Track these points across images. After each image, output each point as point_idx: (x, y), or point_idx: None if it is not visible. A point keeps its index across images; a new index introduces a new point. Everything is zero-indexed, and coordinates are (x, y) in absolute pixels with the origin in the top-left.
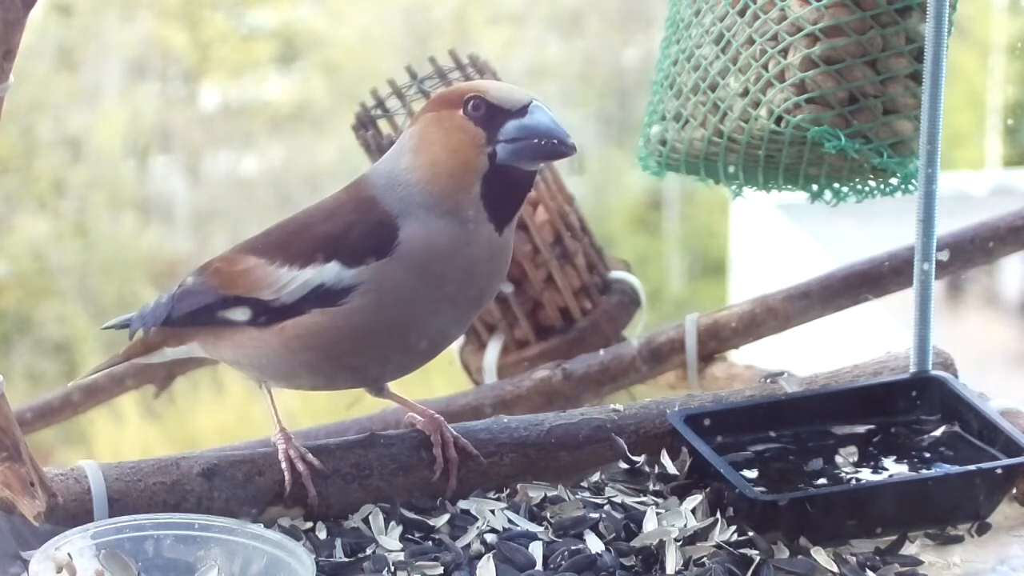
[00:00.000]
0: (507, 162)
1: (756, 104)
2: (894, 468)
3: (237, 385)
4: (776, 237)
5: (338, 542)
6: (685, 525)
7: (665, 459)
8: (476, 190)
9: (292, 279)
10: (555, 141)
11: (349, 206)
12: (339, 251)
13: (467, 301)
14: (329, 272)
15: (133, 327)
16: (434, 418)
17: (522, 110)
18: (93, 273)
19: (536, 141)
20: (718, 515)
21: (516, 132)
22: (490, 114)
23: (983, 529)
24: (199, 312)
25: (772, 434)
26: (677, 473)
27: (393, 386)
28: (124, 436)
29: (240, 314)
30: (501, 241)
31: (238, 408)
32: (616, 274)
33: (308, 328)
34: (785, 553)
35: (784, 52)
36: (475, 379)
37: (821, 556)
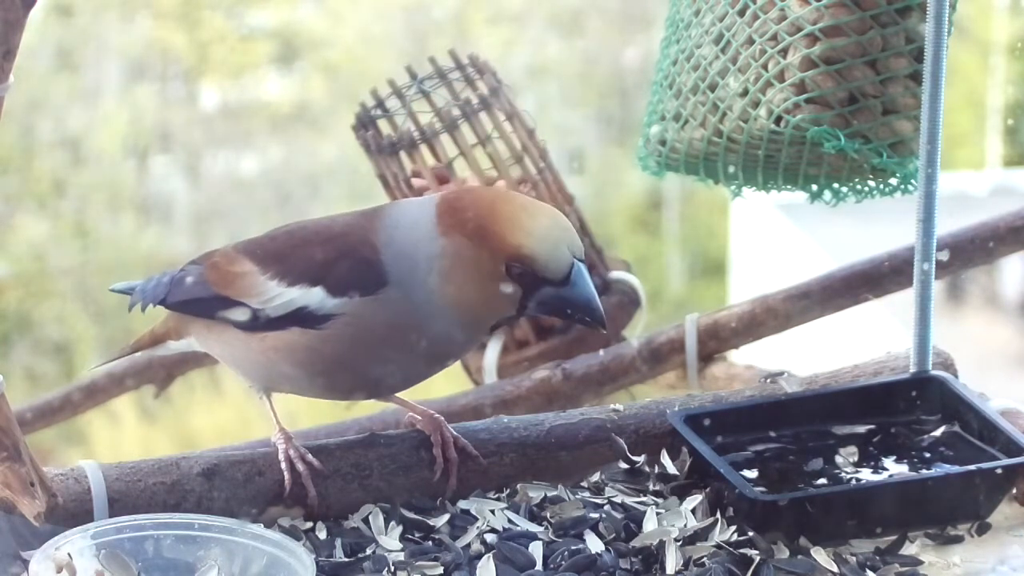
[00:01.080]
0: (532, 314)
1: (756, 104)
2: (894, 468)
3: (236, 386)
4: (776, 237)
5: (338, 542)
6: (685, 525)
7: (665, 459)
8: (490, 323)
9: (279, 295)
10: (587, 319)
11: (352, 239)
12: (327, 278)
13: (444, 356)
14: (314, 296)
15: (132, 300)
16: (434, 418)
17: (564, 280)
18: (93, 273)
19: (568, 311)
20: (718, 515)
21: (552, 300)
22: (532, 279)
23: (983, 529)
24: (192, 303)
25: (772, 434)
26: (677, 473)
27: None
28: (124, 436)
29: (228, 314)
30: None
31: (237, 408)
32: (616, 274)
33: (287, 343)
34: (785, 553)
35: (784, 52)
36: (475, 379)
37: (821, 556)
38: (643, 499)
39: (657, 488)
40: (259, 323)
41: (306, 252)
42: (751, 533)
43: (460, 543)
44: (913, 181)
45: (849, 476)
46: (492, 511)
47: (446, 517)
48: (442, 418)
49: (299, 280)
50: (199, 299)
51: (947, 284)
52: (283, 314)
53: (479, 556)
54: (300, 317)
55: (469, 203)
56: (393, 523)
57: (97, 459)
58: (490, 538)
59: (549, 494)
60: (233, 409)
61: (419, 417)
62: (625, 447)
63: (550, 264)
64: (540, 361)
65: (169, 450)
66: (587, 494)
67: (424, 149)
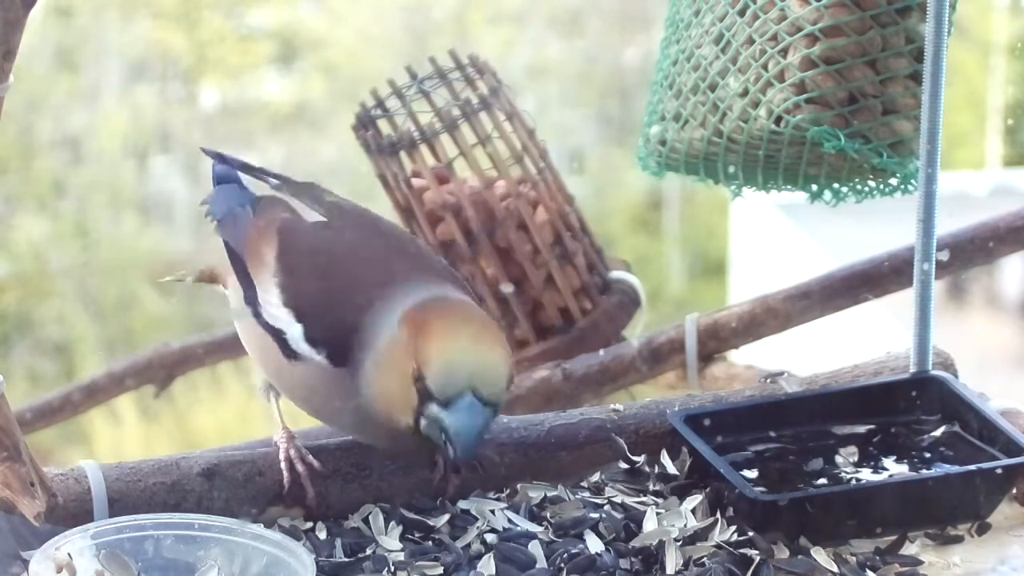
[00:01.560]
0: (424, 430)
1: (756, 104)
2: (894, 468)
3: (236, 385)
4: (776, 237)
5: (338, 542)
6: (685, 525)
7: (665, 459)
8: (401, 426)
9: (273, 306)
10: (454, 450)
11: (357, 299)
12: (307, 320)
13: (390, 448)
14: (295, 331)
15: (207, 203)
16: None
17: (447, 402)
18: (93, 273)
19: (441, 433)
20: (718, 515)
21: (433, 418)
22: (424, 391)
23: (983, 529)
24: (228, 247)
25: (772, 434)
26: (677, 473)
27: None
28: (124, 436)
29: (242, 280)
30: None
31: (238, 408)
32: (616, 274)
33: (265, 350)
34: (785, 553)
35: (784, 52)
36: None
37: (821, 556)
38: (643, 499)
39: (657, 488)
40: (256, 313)
41: (310, 282)
42: (751, 533)
43: (460, 543)
44: (913, 181)
45: (849, 476)
46: (492, 511)
47: (446, 517)
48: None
49: (291, 304)
50: (233, 252)
51: (947, 284)
52: (268, 324)
53: (479, 556)
54: (279, 338)
55: (433, 307)
56: (393, 523)
57: (97, 459)
58: (490, 538)
59: (549, 494)
60: (234, 409)
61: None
62: (625, 447)
63: (438, 380)
64: (540, 361)
65: (170, 450)
66: (587, 494)
67: (424, 149)
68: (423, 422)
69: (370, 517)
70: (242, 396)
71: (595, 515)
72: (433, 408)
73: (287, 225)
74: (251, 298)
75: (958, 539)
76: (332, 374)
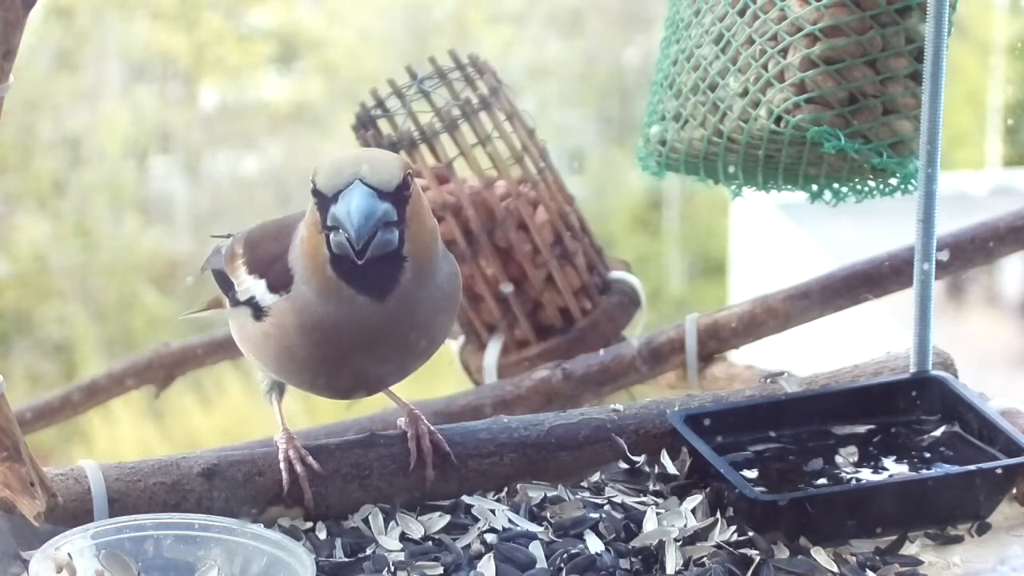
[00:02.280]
0: (334, 251)
1: (756, 104)
2: (894, 468)
3: (235, 387)
4: (776, 237)
5: (338, 542)
6: (685, 525)
7: (665, 459)
8: (328, 272)
9: (243, 281)
10: (347, 237)
11: (292, 235)
12: (267, 274)
13: (375, 366)
14: (260, 288)
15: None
16: (412, 412)
17: (335, 196)
18: (93, 273)
19: (342, 232)
20: (718, 515)
21: (331, 221)
22: (319, 198)
23: (983, 529)
24: (215, 273)
25: (772, 434)
26: (677, 473)
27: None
28: (124, 436)
29: (228, 292)
30: (387, 312)
31: (235, 409)
32: (616, 274)
33: (243, 326)
34: (785, 553)
35: (784, 52)
36: (475, 379)
37: (821, 556)
38: (643, 499)
39: (657, 488)
40: (234, 303)
41: (265, 244)
42: (751, 533)
43: (460, 543)
44: (913, 181)
45: (849, 476)
46: (492, 511)
47: (447, 517)
48: (419, 412)
49: (255, 270)
50: (217, 272)
51: (947, 284)
52: (244, 299)
53: (479, 556)
54: (252, 305)
55: None
56: (393, 523)
57: (97, 459)
58: (490, 538)
59: (549, 494)
60: (232, 410)
61: (405, 417)
62: (625, 447)
63: (324, 179)
64: (540, 361)
65: (169, 450)
66: (587, 494)
67: (424, 149)
68: (332, 242)
69: (370, 517)
70: (240, 397)
71: (595, 515)
72: (330, 211)
73: (254, 227)
74: (232, 295)
75: (958, 539)
76: (293, 303)
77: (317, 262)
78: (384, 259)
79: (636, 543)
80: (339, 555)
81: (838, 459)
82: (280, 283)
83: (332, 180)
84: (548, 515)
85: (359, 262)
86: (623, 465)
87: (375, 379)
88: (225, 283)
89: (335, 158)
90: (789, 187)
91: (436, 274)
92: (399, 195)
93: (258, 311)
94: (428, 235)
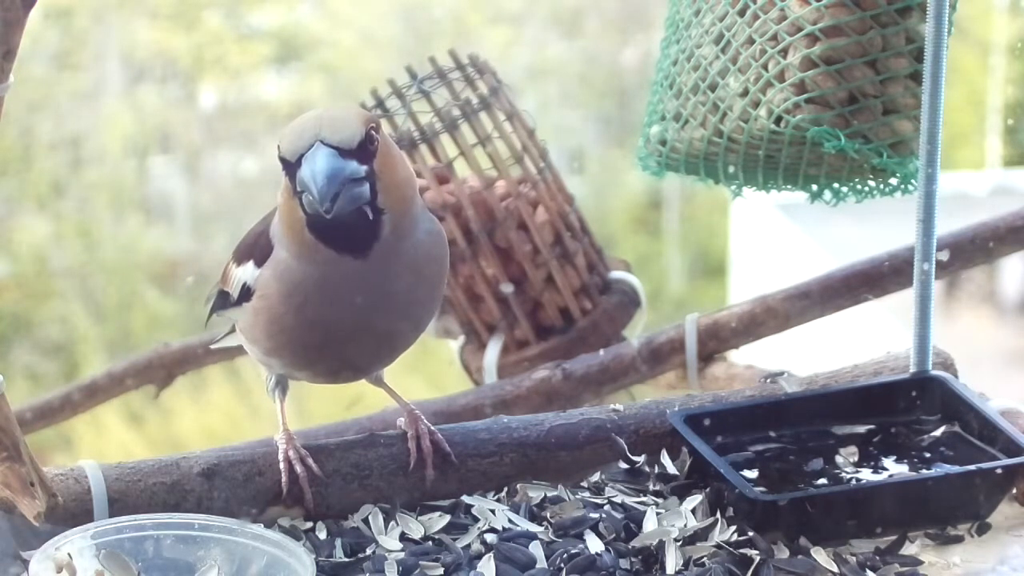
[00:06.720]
0: (308, 212)
1: (756, 104)
2: (894, 468)
3: (229, 387)
4: (776, 237)
5: (338, 542)
6: (685, 525)
7: (665, 459)
8: (306, 236)
9: (235, 276)
10: (312, 196)
11: (271, 215)
12: (253, 253)
13: (361, 332)
14: (248, 271)
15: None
16: (412, 412)
17: (298, 160)
18: (94, 274)
19: (306, 194)
20: (718, 515)
21: (299, 186)
22: (285, 164)
23: (983, 529)
24: (217, 296)
25: (772, 434)
26: (677, 473)
27: (394, 385)
28: (124, 437)
29: (226, 303)
30: (369, 267)
31: (226, 411)
32: (616, 274)
33: (241, 320)
34: (785, 553)
35: (784, 52)
36: (475, 379)
37: (821, 556)
38: (643, 499)
39: (657, 488)
40: (233, 306)
41: (248, 235)
42: (751, 533)
43: (460, 543)
44: (913, 181)
45: (849, 476)
46: (492, 511)
47: (447, 517)
48: (419, 412)
49: (242, 258)
50: (218, 294)
51: (946, 284)
52: (239, 293)
53: (479, 556)
54: (245, 292)
55: None
56: (393, 523)
57: (97, 459)
58: (490, 538)
59: (549, 494)
60: (225, 411)
61: (404, 417)
62: (625, 447)
63: (287, 144)
64: (540, 361)
65: (168, 450)
66: (587, 494)
67: (424, 149)
68: (304, 203)
69: (370, 517)
70: (233, 399)
71: (595, 515)
72: (297, 176)
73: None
74: (231, 301)
75: (958, 539)
76: (274, 269)
77: (295, 228)
78: (359, 214)
79: (636, 543)
80: (339, 555)
81: (838, 459)
82: (264, 256)
83: (294, 144)
84: (548, 515)
85: (328, 218)
86: (623, 465)
87: (366, 353)
88: (225, 298)
89: (296, 122)
90: (789, 187)
91: (417, 226)
92: (363, 151)
93: (249, 293)
94: (403, 185)
